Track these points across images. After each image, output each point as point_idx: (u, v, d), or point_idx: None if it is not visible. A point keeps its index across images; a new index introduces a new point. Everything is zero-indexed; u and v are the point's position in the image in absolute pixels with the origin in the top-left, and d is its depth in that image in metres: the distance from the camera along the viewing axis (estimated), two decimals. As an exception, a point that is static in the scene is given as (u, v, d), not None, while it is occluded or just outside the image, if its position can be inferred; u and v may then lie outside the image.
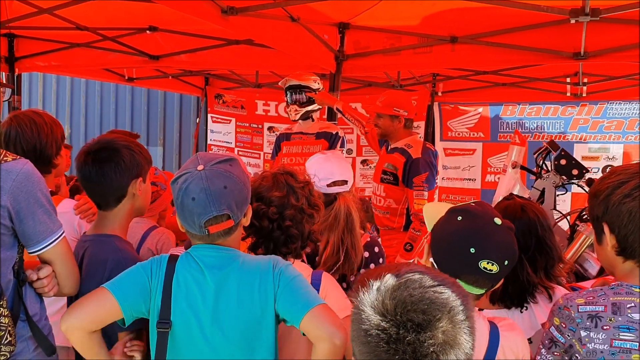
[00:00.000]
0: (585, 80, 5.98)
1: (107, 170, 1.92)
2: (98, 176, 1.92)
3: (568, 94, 6.54)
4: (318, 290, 1.89)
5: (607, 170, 1.71)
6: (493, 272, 1.53)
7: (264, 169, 2.26)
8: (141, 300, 1.66)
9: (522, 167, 3.04)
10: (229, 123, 7.91)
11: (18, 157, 1.71)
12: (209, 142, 7.98)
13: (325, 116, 4.70)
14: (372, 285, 1.14)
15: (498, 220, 1.58)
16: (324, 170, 2.41)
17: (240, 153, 7.89)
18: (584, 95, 6.40)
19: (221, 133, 7.97)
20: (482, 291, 1.58)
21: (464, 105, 7.19)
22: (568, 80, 6.26)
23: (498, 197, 3.07)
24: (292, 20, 3.73)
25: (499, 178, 7.09)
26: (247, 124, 7.89)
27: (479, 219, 1.57)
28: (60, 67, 5.81)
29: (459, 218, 1.59)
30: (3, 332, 1.62)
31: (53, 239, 1.74)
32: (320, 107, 4.45)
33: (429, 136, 7.14)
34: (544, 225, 1.98)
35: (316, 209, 2.00)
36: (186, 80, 7.47)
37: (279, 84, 4.50)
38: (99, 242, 1.96)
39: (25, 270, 1.75)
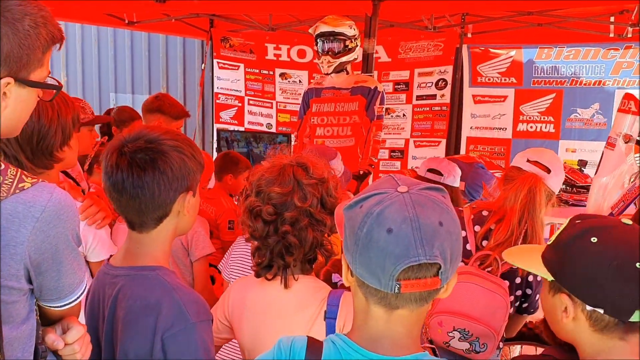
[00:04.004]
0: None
1: (148, 179, 1.36)
2: (134, 187, 1.36)
3: (611, 35, 5.96)
4: (335, 316, 1.46)
5: None
6: None
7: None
8: None
9: (639, 142, 2.56)
10: (237, 69, 7.36)
11: (37, 179, 1.14)
12: (215, 90, 7.45)
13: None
14: None
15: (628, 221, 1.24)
16: (532, 148, 2.31)
17: (251, 102, 7.39)
18: (630, 35, 5.84)
19: (229, 80, 7.42)
20: None
21: (495, 47, 6.62)
22: (612, 19, 5.69)
23: (601, 176, 2.60)
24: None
25: (526, 139, 6.62)
26: (257, 70, 7.32)
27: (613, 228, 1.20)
28: (55, 13, 5.15)
29: (593, 239, 1.19)
30: None
31: (82, 290, 1.23)
32: (357, 57, 3.90)
33: (457, 82, 6.60)
34: None
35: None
36: (190, 22, 6.84)
37: (309, 31, 3.93)
38: (140, 278, 1.40)
39: (45, 335, 1.20)
